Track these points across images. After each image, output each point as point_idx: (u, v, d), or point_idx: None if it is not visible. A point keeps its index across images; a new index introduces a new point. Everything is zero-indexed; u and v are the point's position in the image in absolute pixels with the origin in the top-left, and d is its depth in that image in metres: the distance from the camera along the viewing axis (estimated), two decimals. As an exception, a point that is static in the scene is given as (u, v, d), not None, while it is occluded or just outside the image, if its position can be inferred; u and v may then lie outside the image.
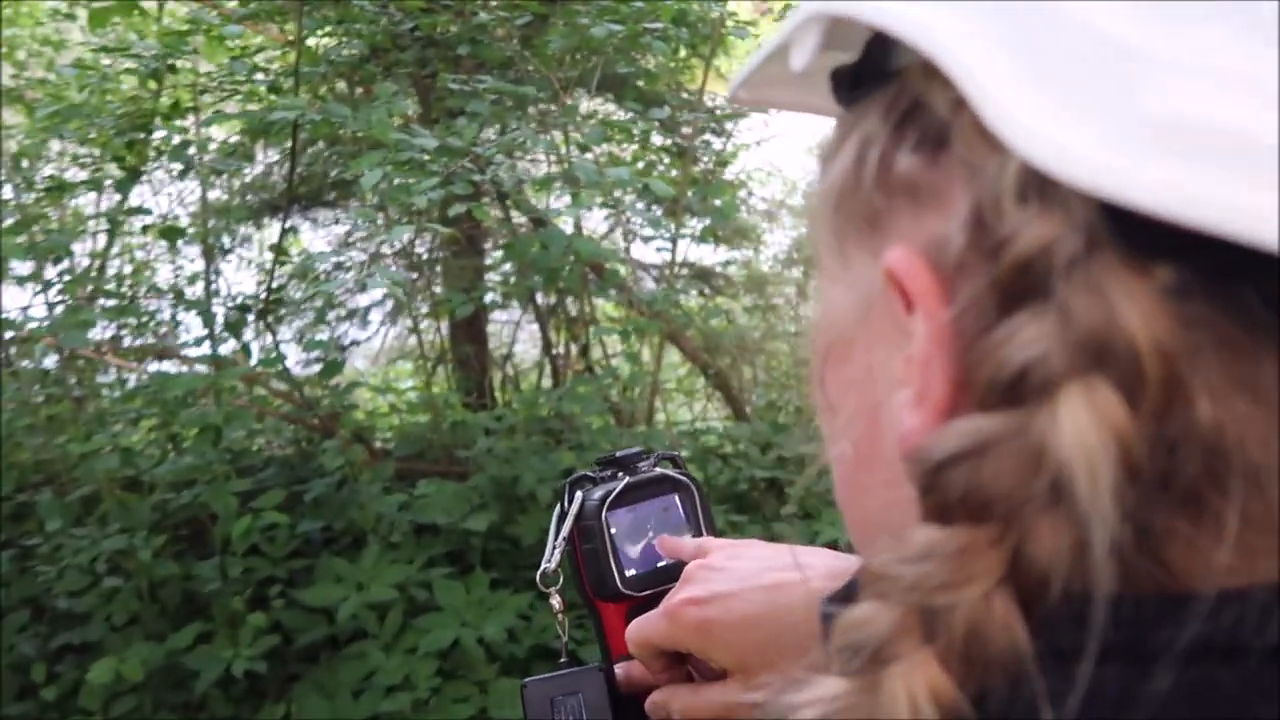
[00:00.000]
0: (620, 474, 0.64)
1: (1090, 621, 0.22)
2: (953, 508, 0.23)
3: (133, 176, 2.67)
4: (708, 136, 3.58)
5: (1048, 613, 0.22)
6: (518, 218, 3.35)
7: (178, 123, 2.69)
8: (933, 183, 0.27)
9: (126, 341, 2.98)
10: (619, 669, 0.61)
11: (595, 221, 3.67)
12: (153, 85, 2.65)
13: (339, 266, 3.69)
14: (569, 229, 2.80)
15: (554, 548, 0.61)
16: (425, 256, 3.70)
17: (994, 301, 0.23)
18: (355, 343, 3.91)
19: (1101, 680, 0.22)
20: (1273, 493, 0.22)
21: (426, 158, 2.24)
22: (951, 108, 0.25)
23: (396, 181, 2.25)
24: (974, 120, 0.24)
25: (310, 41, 2.82)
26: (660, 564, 0.62)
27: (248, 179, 3.54)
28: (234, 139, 3.42)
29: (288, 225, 3.15)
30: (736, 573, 0.54)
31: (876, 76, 0.29)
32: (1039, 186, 0.23)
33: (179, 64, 2.60)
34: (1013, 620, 0.22)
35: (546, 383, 3.62)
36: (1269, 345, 0.22)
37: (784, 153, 4.20)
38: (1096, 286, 0.22)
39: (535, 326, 3.78)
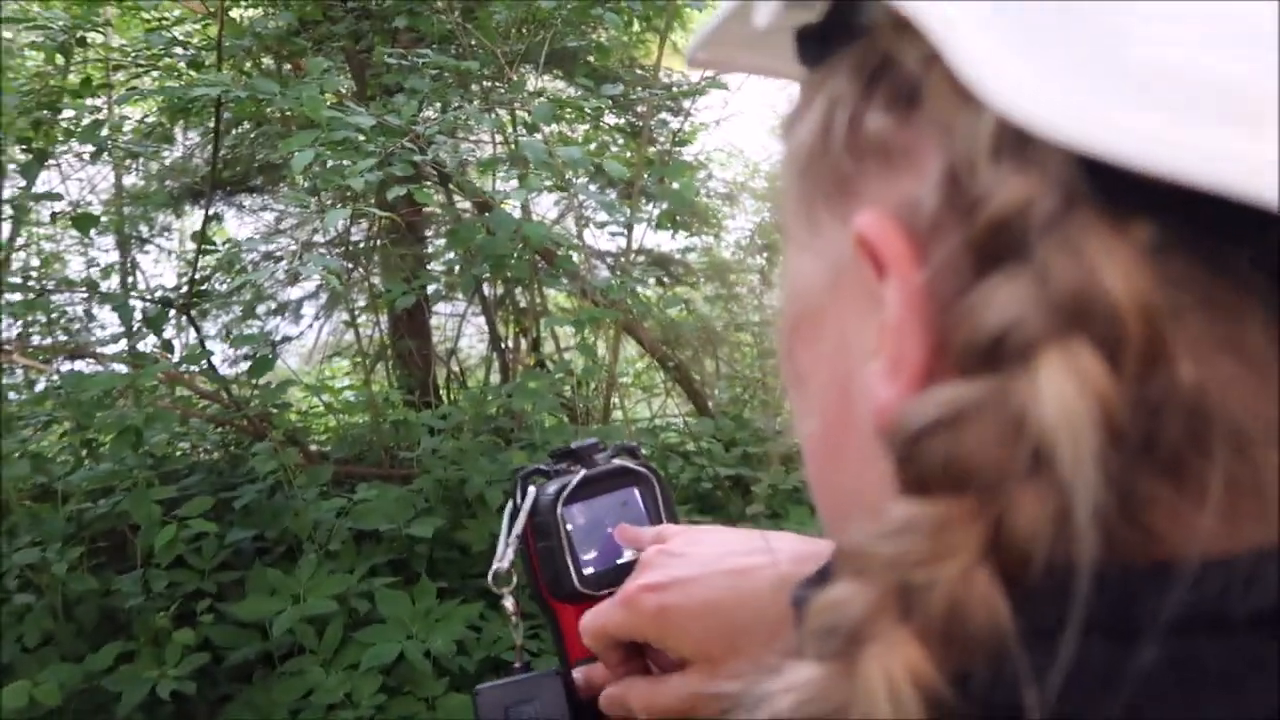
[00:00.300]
0: (576, 467, 0.64)
1: (1073, 594, 0.22)
2: (931, 479, 0.23)
3: (39, 160, 2.61)
4: (664, 115, 3.59)
5: (1030, 587, 0.22)
6: (461, 202, 3.33)
7: (89, 101, 2.63)
8: (904, 143, 0.27)
9: (36, 339, 2.92)
10: (578, 673, 0.61)
11: (545, 206, 3.66)
12: (61, 60, 2.59)
13: (268, 256, 3.64)
14: (517, 213, 2.79)
15: (506, 546, 0.61)
16: (362, 244, 3.66)
17: (969, 263, 0.24)
18: (287, 338, 3.86)
19: (1085, 655, 0.22)
20: (1257, 455, 0.23)
21: (362, 137, 2.22)
22: (923, 64, 0.26)
23: (330, 163, 2.22)
24: (946, 76, 0.24)
25: (234, 13, 2.78)
26: (620, 561, 0.62)
27: (167, 162, 3.49)
28: (151, 119, 3.35)
29: (211, 212, 3.09)
30: (697, 558, 0.55)
31: (844, 34, 0.29)
32: (1015, 143, 0.23)
33: (90, 37, 2.55)
34: (994, 596, 0.22)
35: (495, 379, 3.61)
36: (1254, 304, 0.23)
37: (745, 133, 4.23)
38: (1075, 245, 0.22)
39: (482, 319, 3.76)
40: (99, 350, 2.90)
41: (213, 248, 2.98)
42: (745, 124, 4.07)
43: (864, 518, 0.25)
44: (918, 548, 0.23)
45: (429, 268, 3.43)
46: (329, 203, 2.77)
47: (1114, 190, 0.22)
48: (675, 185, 2.91)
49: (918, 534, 0.23)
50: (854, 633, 0.23)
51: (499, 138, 2.97)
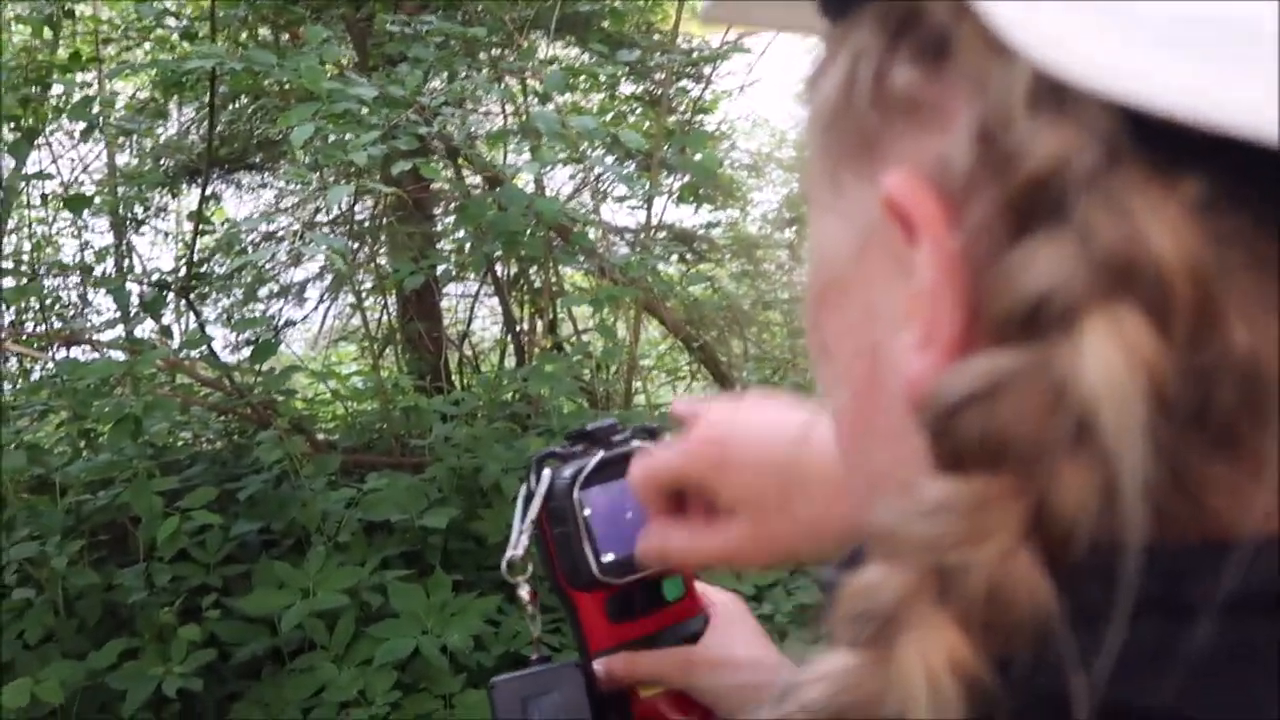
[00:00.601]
0: (593, 449, 0.64)
1: (1121, 573, 0.22)
2: (967, 455, 0.23)
3: (29, 139, 2.63)
4: (684, 83, 3.57)
5: (1074, 566, 0.22)
6: (471, 176, 3.33)
7: (79, 76, 2.65)
8: (933, 98, 0.27)
9: (30, 326, 2.95)
10: (598, 665, 0.61)
11: (559, 180, 3.66)
12: (49, 34, 2.61)
13: (269, 236, 3.66)
14: (530, 188, 2.79)
15: (521, 532, 0.61)
16: (367, 223, 3.67)
17: (1006, 225, 0.23)
18: (291, 322, 3.89)
19: (1135, 636, 0.22)
20: None
21: (365, 110, 2.22)
22: (952, 14, 0.25)
23: (331, 137, 2.23)
24: (977, 26, 0.24)
25: (229, -20, 2.78)
26: (641, 547, 0.62)
27: (161, 139, 3.50)
28: (144, 94, 3.37)
29: (209, 191, 3.12)
30: (764, 416, 0.56)
31: None
32: (1052, 95, 0.23)
33: (78, 9, 2.56)
34: (1036, 577, 0.22)
35: (510, 362, 3.62)
36: None
37: (770, 100, 4.20)
38: (1118, 203, 0.22)
39: (495, 300, 3.77)
40: (95, 336, 2.93)
41: (211, 228, 3.00)
42: (770, 91, 4.05)
43: (896, 496, 0.24)
44: (954, 528, 0.23)
45: (438, 246, 3.43)
46: (331, 179, 2.78)
47: (1159, 143, 0.22)
48: (697, 156, 2.90)
49: (954, 514, 0.23)
50: (889, 618, 0.23)
51: (509, 108, 2.97)
